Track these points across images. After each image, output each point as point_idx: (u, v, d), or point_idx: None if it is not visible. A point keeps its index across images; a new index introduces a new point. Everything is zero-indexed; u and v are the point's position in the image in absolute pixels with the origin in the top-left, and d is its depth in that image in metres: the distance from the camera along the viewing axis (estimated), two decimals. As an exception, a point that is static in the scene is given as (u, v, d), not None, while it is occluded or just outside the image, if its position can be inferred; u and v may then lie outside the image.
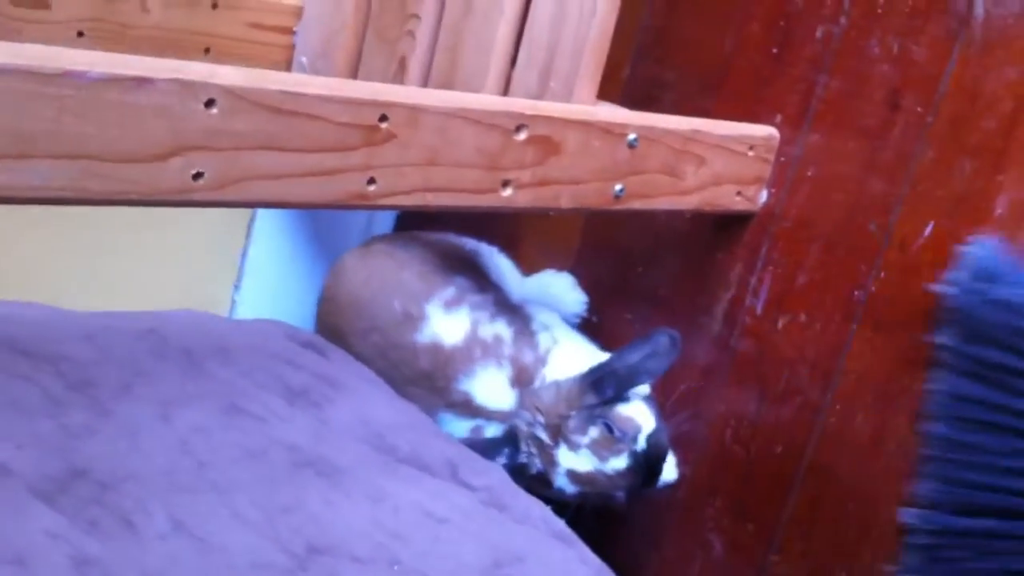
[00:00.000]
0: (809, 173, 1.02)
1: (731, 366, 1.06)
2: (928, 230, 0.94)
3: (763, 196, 1.04)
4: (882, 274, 0.97)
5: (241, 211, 1.28)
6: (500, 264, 1.18)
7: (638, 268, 1.14)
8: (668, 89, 1.13)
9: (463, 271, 1.11)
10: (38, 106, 0.56)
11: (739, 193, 1.01)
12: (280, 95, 0.66)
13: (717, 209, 1.01)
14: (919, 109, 0.95)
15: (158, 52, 0.99)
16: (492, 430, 1.03)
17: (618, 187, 0.89)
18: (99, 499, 0.74)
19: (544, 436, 0.97)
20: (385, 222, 1.35)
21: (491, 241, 1.21)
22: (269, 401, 0.93)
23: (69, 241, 1.14)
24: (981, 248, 0.90)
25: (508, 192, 0.82)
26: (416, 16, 1.02)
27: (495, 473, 0.94)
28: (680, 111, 1.01)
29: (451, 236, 1.19)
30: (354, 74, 1.10)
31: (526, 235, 1.26)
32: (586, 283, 1.19)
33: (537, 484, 0.98)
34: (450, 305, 1.06)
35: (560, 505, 0.96)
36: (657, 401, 1.03)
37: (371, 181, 0.73)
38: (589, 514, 0.98)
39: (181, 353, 0.95)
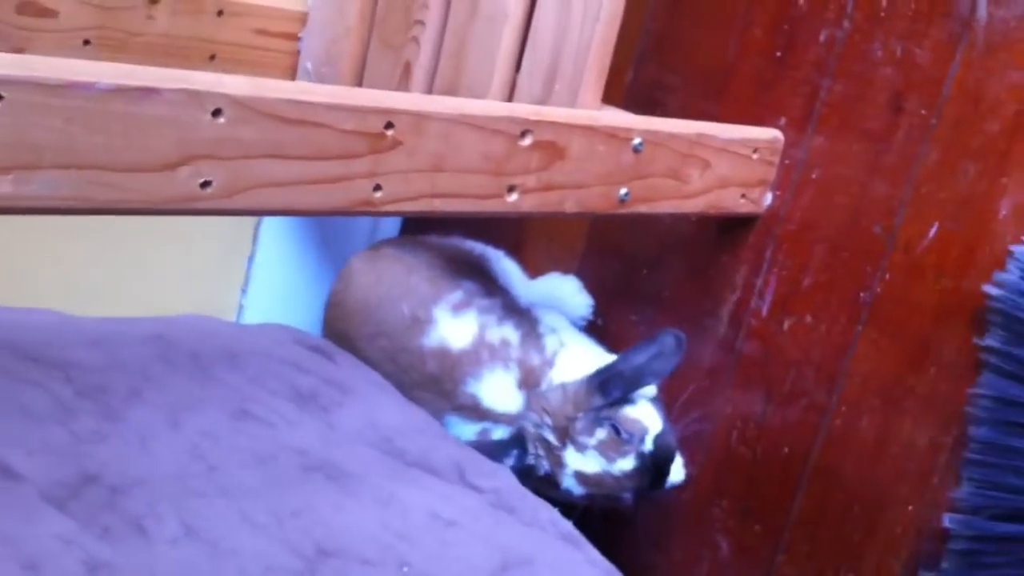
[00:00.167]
0: (813, 176, 1.02)
1: (737, 368, 1.06)
2: (932, 232, 0.95)
3: (768, 199, 1.04)
4: (887, 276, 0.97)
5: (248, 217, 1.29)
6: (507, 267, 1.18)
7: (643, 271, 1.15)
8: (672, 93, 1.13)
9: (471, 275, 1.11)
10: (46, 117, 0.57)
11: (744, 196, 1.02)
12: (286, 104, 0.66)
13: (722, 212, 1.01)
14: (922, 112, 0.96)
15: (163, 60, 1.00)
16: (499, 433, 1.03)
17: (623, 191, 0.90)
18: (110, 504, 0.75)
19: (551, 438, 0.98)
20: (391, 226, 1.36)
21: (497, 244, 1.21)
22: (278, 406, 0.94)
23: (76, 247, 1.14)
24: None
25: (513, 197, 0.82)
26: (421, 22, 1.03)
27: (503, 476, 0.95)
28: (684, 115, 1.01)
29: (458, 240, 1.20)
30: (359, 80, 1.10)
31: (532, 238, 1.26)
32: (591, 286, 1.19)
33: (545, 486, 0.99)
34: (458, 309, 1.07)
35: (567, 507, 0.96)
36: (664, 403, 1.03)
37: (377, 188, 0.73)
38: (597, 516, 0.99)
39: (189, 358, 0.96)
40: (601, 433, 0.96)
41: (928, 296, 0.94)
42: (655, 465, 0.96)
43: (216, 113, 0.63)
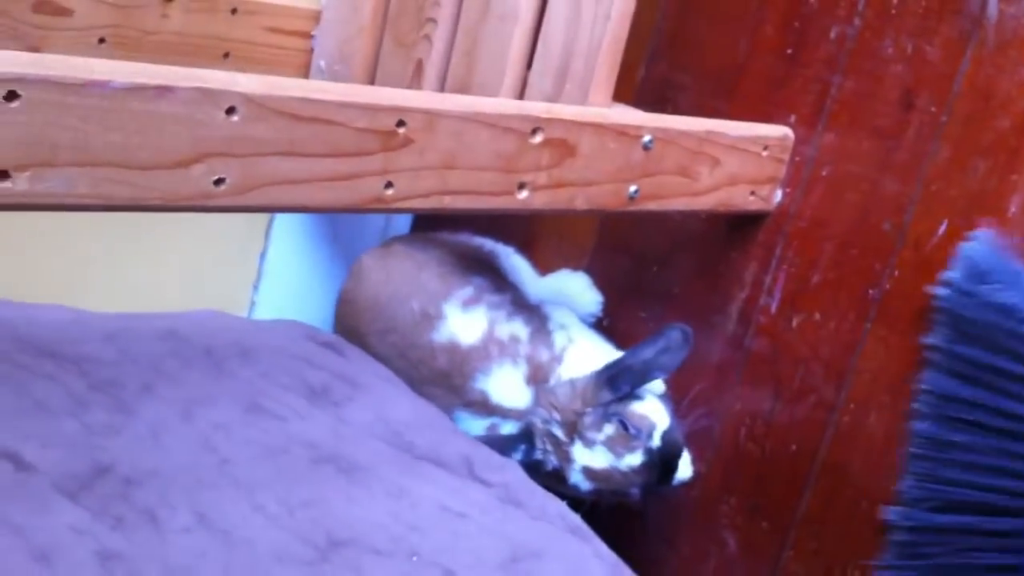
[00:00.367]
0: (823, 173, 1.02)
1: (745, 365, 1.06)
2: (942, 229, 0.95)
3: (777, 196, 1.05)
4: (896, 273, 0.97)
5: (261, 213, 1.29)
6: (517, 264, 1.19)
7: (653, 268, 1.15)
8: (682, 90, 1.14)
9: (481, 271, 1.12)
10: (62, 115, 0.57)
11: (753, 193, 1.02)
12: (299, 102, 0.67)
13: (732, 209, 1.01)
14: (933, 109, 0.96)
15: (178, 58, 1.01)
16: (508, 428, 1.04)
17: (633, 188, 0.90)
18: (123, 495, 0.76)
19: (559, 433, 0.98)
20: (403, 222, 1.36)
21: (507, 241, 1.22)
22: (290, 400, 0.94)
23: (90, 244, 1.15)
24: (976, 248, 0.92)
25: (524, 194, 0.83)
26: (433, 20, 1.03)
27: (511, 470, 0.95)
28: (695, 112, 1.02)
29: (468, 237, 1.20)
30: (371, 78, 1.11)
31: (542, 235, 1.27)
32: (601, 282, 1.19)
33: (553, 481, 0.99)
34: (467, 304, 1.07)
35: (575, 502, 0.97)
36: (672, 399, 1.03)
37: (388, 185, 0.74)
38: (605, 511, 0.99)
39: (202, 353, 0.97)
40: (609, 428, 0.97)
41: (937, 294, 0.94)
42: (663, 461, 0.97)
43: (230, 111, 0.64)
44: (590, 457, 0.97)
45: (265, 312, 1.30)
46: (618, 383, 0.97)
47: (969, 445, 0.89)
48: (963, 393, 0.90)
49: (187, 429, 0.86)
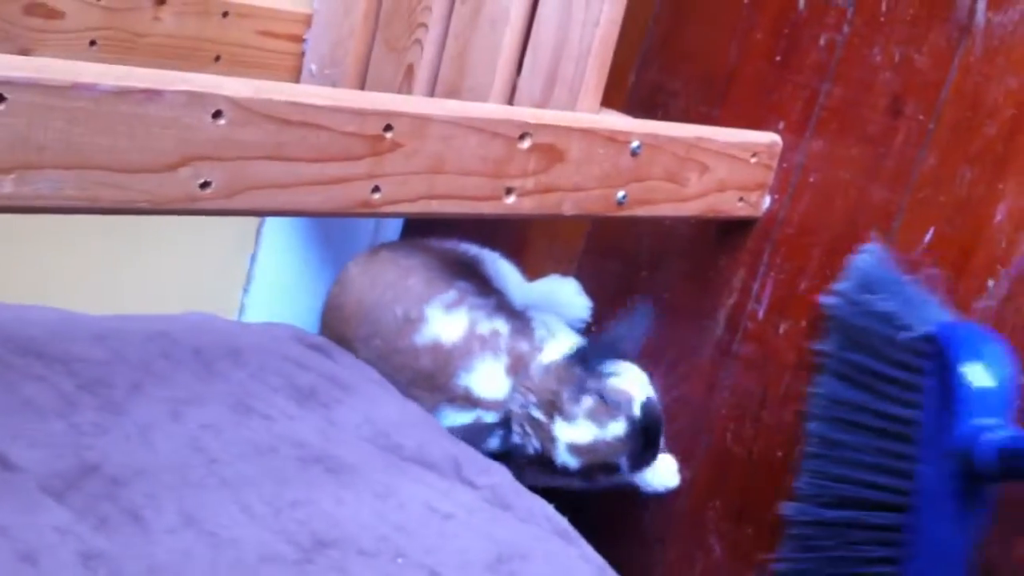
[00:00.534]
0: (811, 179, 1.03)
1: (733, 370, 1.07)
2: (929, 236, 0.95)
3: (766, 202, 1.05)
4: (883, 280, 0.98)
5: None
6: (502, 269, 1.19)
7: (642, 273, 1.15)
8: (673, 97, 1.14)
9: (465, 276, 1.12)
10: (49, 118, 0.58)
11: (742, 199, 1.02)
12: (286, 106, 0.67)
13: (720, 215, 1.02)
14: (921, 117, 0.96)
15: (169, 61, 1.01)
16: (490, 419, 1.04)
17: (621, 194, 0.91)
18: (109, 495, 0.76)
19: (539, 414, 0.98)
20: (393, 226, 1.37)
21: (495, 246, 1.22)
22: (278, 401, 0.95)
23: (79, 246, 1.15)
24: (865, 260, 0.97)
25: (512, 199, 0.83)
26: (424, 25, 1.04)
27: (499, 472, 0.96)
28: (685, 118, 1.02)
29: (454, 243, 1.21)
30: (362, 82, 1.11)
31: (530, 240, 1.27)
32: (591, 287, 1.20)
33: (538, 468, 0.99)
34: (450, 307, 1.08)
35: (565, 495, 0.97)
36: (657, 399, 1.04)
37: (376, 189, 0.74)
38: (593, 513, 0.99)
39: (191, 354, 0.97)
40: (588, 401, 0.97)
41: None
42: (645, 428, 0.97)
43: (217, 115, 0.64)
44: (574, 432, 0.97)
45: (255, 315, 1.30)
46: (590, 360, 0.99)
47: (853, 444, 0.94)
48: (848, 396, 0.95)
49: (175, 429, 0.86)
